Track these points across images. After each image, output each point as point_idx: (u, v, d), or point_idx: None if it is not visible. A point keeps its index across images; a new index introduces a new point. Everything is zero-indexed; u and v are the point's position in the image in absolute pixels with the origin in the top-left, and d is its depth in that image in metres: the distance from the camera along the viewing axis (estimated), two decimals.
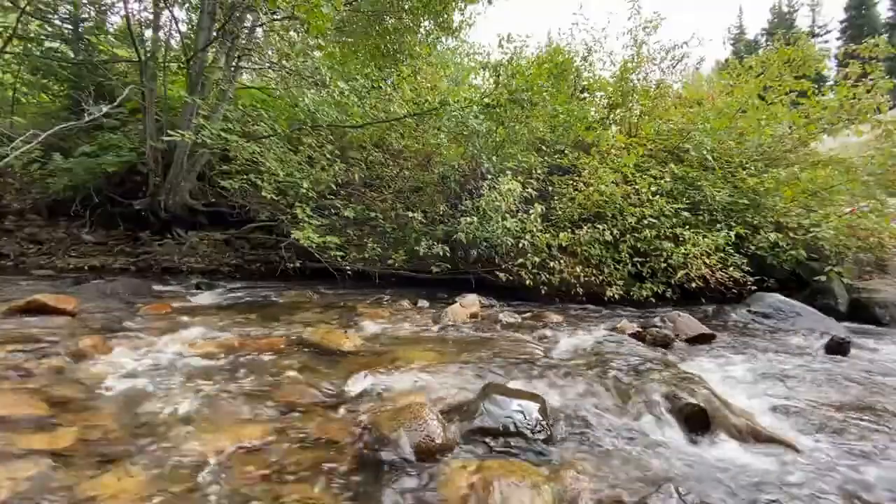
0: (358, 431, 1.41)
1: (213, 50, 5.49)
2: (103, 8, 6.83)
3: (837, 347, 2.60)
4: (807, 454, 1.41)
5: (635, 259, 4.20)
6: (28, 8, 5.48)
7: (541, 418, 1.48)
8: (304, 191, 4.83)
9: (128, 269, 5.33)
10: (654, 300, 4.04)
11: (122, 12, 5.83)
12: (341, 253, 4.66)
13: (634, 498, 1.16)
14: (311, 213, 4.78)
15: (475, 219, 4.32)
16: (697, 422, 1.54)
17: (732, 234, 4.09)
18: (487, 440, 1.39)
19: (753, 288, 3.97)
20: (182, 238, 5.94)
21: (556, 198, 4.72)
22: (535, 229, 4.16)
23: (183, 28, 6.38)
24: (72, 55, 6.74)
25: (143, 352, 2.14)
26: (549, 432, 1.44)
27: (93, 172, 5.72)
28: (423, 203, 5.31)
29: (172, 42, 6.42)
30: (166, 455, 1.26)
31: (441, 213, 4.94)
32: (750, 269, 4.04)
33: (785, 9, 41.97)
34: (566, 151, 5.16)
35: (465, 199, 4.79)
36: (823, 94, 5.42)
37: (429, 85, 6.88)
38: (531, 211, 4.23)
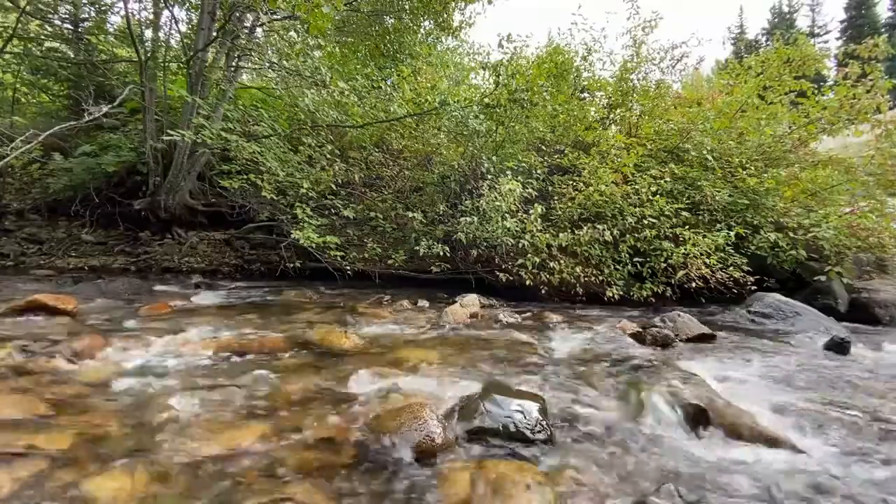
0: (358, 431, 1.41)
1: (213, 50, 5.48)
2: (103, 8, 6.82)
3: (837, 347, 2.61)
4: (807, 454, 1.41)
5: (635, 259, 4.20)
6: (28, 8, 5.48)
7: (541, 418, 1.48)
8: (304, 191, 4.83)
9: (128, 269, 5.33)
10: (653, 300, 4.04)
11: (122, 12, 5.83)
12: (341, 253, 4.66)
13: (634, 498, 1.16)
14: (311, 213, 4.78)
15: (475, 219, 4.32)
16: (698, 421, 1.54)
17: (732, 234, 4.09)
18: (487, 440, 1.39)
19: (753, 288, 3.97)
20: (182, 238, 5.94)
21: (556, 198, 4.72)
22: (535, 229, 4.15)
23: (183, 28, 6.37)
24: (72, 55, 6.74)
25: (142, 351, 2.14)
26: (549, 432, 1.44)
27: (93, 172, 5.72)
28: (423, 203, 5.31)
29: (172, 42, 6.42)
30: (166, 455, 1.26)
31: (441, 213, 4.94)
32: (750, 269, 4.04)
33: (785, 9, 41.95)
34: (566, 151, 5.15)
35: (465, 199, 4.79)
36: (823, 94, 5.42)
37: (429, 85, 6.88)
38: (531, 211, 4.23)
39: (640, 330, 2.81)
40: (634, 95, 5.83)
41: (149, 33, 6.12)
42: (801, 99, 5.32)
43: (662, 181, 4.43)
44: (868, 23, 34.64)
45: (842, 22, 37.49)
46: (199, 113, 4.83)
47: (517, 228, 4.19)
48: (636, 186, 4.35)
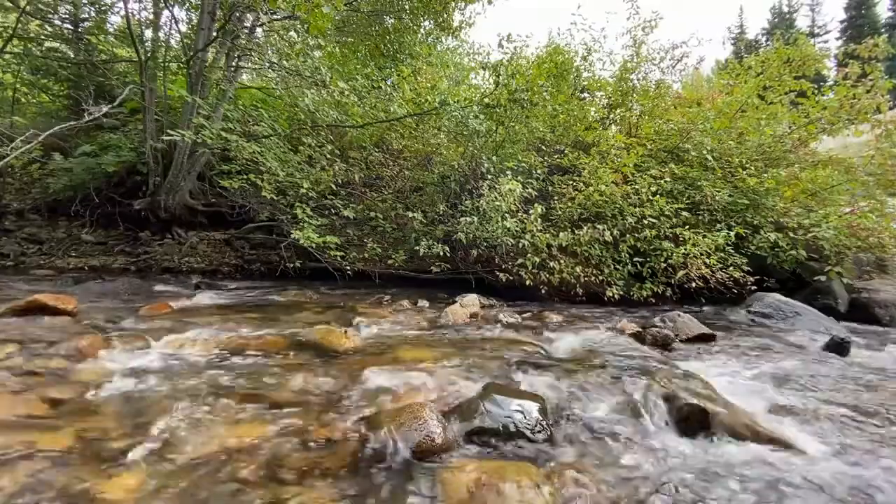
0: (357, 431, 1.41)
1: (213, 50, 5.49)
2: (103, 8, 6.82)
3: (837, 347, 2.61)
4: (807, 454, 1.41)
5: (635, 259, 4.20)
6: (28, 8, 5.48)
7: (541, 418, 1.48)
8: (304, 191, 4.84)
9: (128, 269, 5.34)
10: (653, 300, 4.04)
11: (122, 12, 5.83)
12: (341, 253, 4.67)
13: (634, 498, 1.16)
14: (311, 212, 4.78)
15: (475, 219, 4.32)
16: (697, 422, 1.54)
17: (732, 234, 4.09)
18: (487, 440, 1.39)
19: (753, 288, 3.97)
20: (182, 238, 5.94)
21: (556, 198, 4.72)
22: (535, 229, 4.15)
23: (183, 28, 6.38)
24: (72, 55, 6.74)
25: (142, 351, 2.14)
26: (549, 432, 1.44)
27: (93, 172, 5.72)
28: (423, 203, 5.32)
29: (172, 42, 6.43)
30: (166, 455, 1.26)
31: (441, 213, 4.94)
32: (750, 268, 4.04)
33: (785, 9, 41.96)
34: (566, 151, 5.16)
35: (465, 199, 4.80)
36: (823, 94, 5.42)
37: (429, 85, 6.88)
38: (531, 211, 4.23)
39: (640, 330, 2.81)
40: (634, 95, 5.83)
41: (149, 33, 6.13)
42: (801, 99, 5.33)
43: (662, 181, 4.44)
44: (868, 23, 34.64)
45: (842, 22, 37.49)
46: (199, 113, 4.83)
47: (517, 228, 4.19)
48: (636, 186, 4.36)
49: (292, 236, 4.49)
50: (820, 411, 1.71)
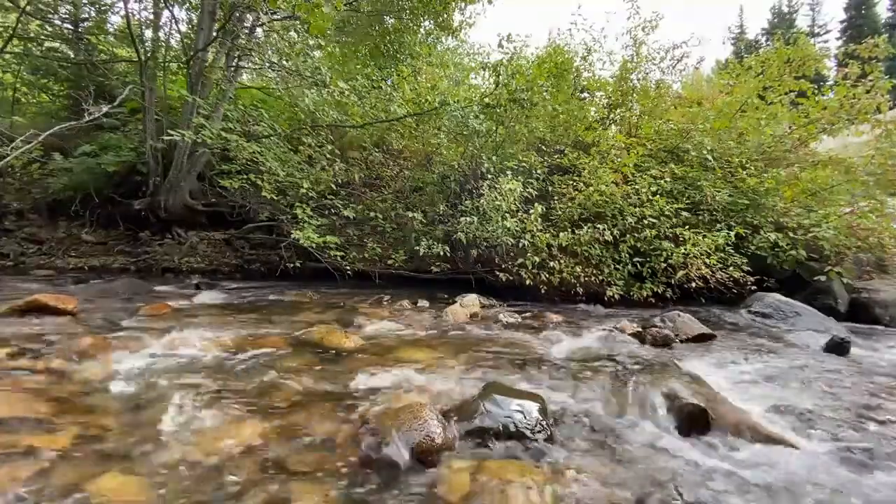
0: (358, 431, 1.41)
1: (213, 50, 5.49)
2: (103, 8, 6.82)
3: (837, 347, 2.61)
4: (807, 454, 1.41)
5: (635, 259, 4.20)
6: (28, 8, 5.48)
7: (541, 418, 1.48)
8: (304, 191, 4.84)
9: (128, 269, 5.34)
10: (653, 300, 4.04)
11: (122, 12, 5.83)
12: (341, 253, 4.67)
13: (634, 497, 1.16)
14: (311, 212, 4.78)
15: (475, 219, 4.32)
16: (697, 422, 1.54)
17: (732, 234, 4.09)
18: (487, 440, 1.39)
19: (753, 288, 3.97)
20: (182, 238, 5.94)
21: (556, 198, 4.72)
22: (535, 229, 4.16)
23: (183, 28, 6.38)
24: (72, 55, 6.74)
25: (142, 351, 2.14)
26: (549, 432, 1.44)
27: (93, 172, 5.73)
28: (423, 203, 5.32)
29: (172, 42, 6.43)
30: (166, 455, 1.26)
31: (441, 213, 4.94)
32: (750, 269, 4.04)
33: (785, 9, 41.92)
34: (566, 151, 5.16)
35: (465, 199, 4.79)
36: (823, 94, 5.42)
37: (429, 85, 6.88)
38: (531, 211, 4.23)
39: (640, 330, 2.81)
40: (634, 95, 5.82)
41: (149, 33, 6.12)
42: (801, 99, 5.32)
43: (662, 181, 4.43)
44: (868, 23, 34.60)
45: (842, 22, 37.43)
46: (199, 113, 4.83)
47: (517, 228, 4.19)
48: (636, 186, 4.35)
49: (292, 236, 4.49)
50: (820, 411, 1.71)
